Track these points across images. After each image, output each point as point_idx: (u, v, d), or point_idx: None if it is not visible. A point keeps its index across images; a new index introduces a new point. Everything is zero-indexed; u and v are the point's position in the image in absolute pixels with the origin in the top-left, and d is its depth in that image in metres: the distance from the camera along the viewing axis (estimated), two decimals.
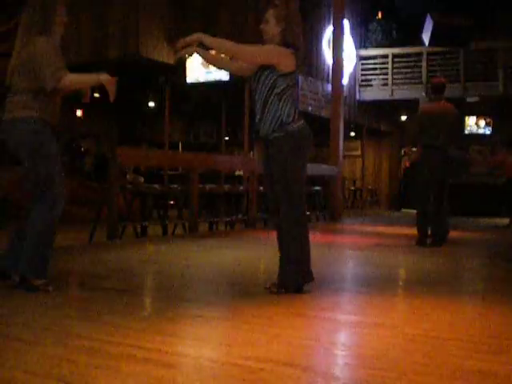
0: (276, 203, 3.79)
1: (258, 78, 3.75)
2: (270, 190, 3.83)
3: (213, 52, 3.96)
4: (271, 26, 3.74)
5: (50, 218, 3.62)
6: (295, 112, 3.75)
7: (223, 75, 11.55)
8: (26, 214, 3.73)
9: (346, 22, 13.42)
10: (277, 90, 3.68)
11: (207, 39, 3.66)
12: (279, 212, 3.76)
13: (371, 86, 16.90)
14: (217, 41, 3.74)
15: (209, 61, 4.06)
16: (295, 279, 3.73)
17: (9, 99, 3.68)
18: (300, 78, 13.21)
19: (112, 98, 3.71)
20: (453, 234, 7.63)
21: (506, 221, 11.03)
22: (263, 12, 3.79)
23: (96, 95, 10.60)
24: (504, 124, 15.98)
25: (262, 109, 3.72)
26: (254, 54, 3.73)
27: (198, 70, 11.80)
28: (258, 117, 3.77)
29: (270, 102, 3.69)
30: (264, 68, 3.72)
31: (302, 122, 3.77)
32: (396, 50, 16.54)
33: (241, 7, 12.10)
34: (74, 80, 3.64)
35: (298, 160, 3.72)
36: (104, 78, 3.68)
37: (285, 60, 3.68)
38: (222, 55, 3.97)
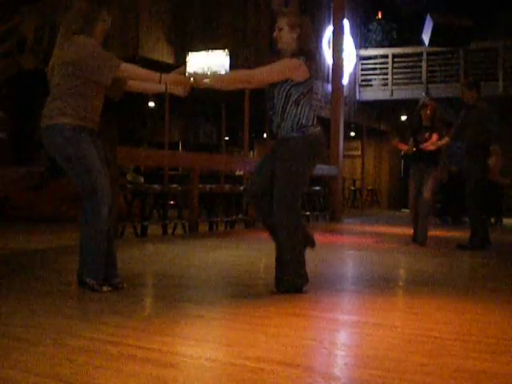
0: (265, 202, 3.79)
1: (273, 88, 3.78)
2: (259, 188, 3.81)
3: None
4: (285, 33, 3.75)
5: (96, 222, 3.63)
6: (314, 117, 3.79)
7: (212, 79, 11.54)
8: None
9: (346, 22, 13.42)
10: (293, 98, 3.72)
11: (217, 82, 3.69)
12: (269, 212, 3.76)
13: (371, 85, 16.90)
14: (226, 78, 3.73)
15: (222, 89, 3.99)
16: (294, 280, 3.73)
17: (46, 104, 3.69)
18: None
19: (183, 94, 3.81)
20: (453, 234, 7.63)
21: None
22: (275, 21, 3.82)
23: None
24: (504, 124, 15.97)
25: (281, 116, 3.77)
26: (266, 78, 3.74)
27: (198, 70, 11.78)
28: (275, 123, 3.81)
29: (288, 110, 3.74)
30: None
31: (320, 128, 3.80)
32: (396, 50, 16.54)
33: (241, 7, 12.10)
34: (129, 69, 3.64)
35: (307, 163, 3.75)
36: (167, 78, 3.69)
37: (296, 72, 3.70)
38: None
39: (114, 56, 3.65)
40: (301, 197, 3.81)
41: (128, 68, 3.66)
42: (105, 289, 3.64)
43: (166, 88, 3.79)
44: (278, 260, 3.78)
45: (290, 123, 3.74)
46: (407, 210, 17.21)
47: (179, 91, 3.87)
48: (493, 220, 11.22)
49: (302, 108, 3.73)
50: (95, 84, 3.65)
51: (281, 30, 3.76)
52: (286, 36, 3.75)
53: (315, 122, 3.79)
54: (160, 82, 3.70)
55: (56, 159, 3.71)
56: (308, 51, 3.77)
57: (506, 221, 12.16)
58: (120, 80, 3.77)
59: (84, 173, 3.62)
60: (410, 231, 7.76)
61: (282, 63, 3.73)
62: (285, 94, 3.73)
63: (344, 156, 12.81)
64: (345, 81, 13.93)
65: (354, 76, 16.57)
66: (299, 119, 3.73)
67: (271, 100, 3.82)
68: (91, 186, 3.62)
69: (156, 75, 3.69)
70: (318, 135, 3.78)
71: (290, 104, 3.73)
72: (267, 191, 3.77)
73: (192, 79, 3.70)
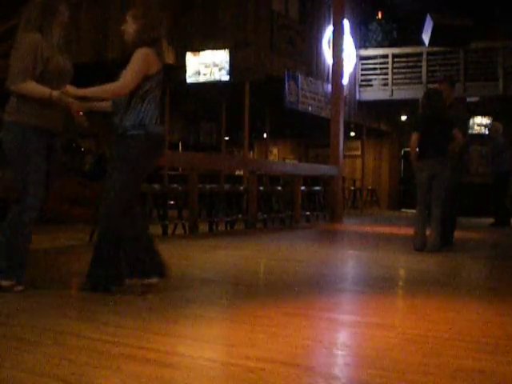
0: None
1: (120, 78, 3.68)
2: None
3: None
4: (129, 24, 3.72)
5: (18, 222, 3.61)
6: (157, 115, 3.71)
7: (223, 75, 11.56)
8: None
9: (346, 22, 13.42)
10: (140, 93, 3.62)
11: (88, 93, 3.66)
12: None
13: (371, 85, 16.89)
14: (96, 91, 3.68)
15: (103, 109, 3.92)
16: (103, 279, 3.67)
17: (10, 98, 3.67)
18: (300, 77, 13.21)
19: (74, 110, 3.70)
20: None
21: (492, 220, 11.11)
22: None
23: None
24: (504, 124, 15.96)
25: (124, 110, 3.64)
26: (134, 80, 3.59)
27: (198, 70, 11.80)
28: (118, 118, 3.67)
29: (132, 105, 3.62)
30: (123, 73, 3.65)
31: (162, 127, 3.75)
32: (396, 50, 16.53)
33: (241, 7, 12.09)
34: (27, 89, 3.56)
35: (142, 161, 3.64)
36: (56, 94, 3.59)
37: (151, 63, 3.63)
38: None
39: (27, 71, 3.55)
40: (128, 199, 3.67)
41: (24, 87, 3.55)
42: (18, 289, 3.57)
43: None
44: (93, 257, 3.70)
45: (133, 119, 3.61)
46: (407, 210, 17.21)
47: (73, 108, 3.73)
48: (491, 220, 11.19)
49: (147, 105, 3.63)
50: (58, 81, 3.62)
51: (126, 21, 3.74)
52: (128, 27, 3.71)
53: (158, 122, 3.70)
54: (51, 99, 3.60)
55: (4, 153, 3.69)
56: (148, 43, 3.65)
57: None
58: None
59: (20, 174, 3.61)
60: (409, 231, 7.74)
61: (138, 59, 3.60)
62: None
63: (344, 156, 12.80)
64: (345, 81, 13.92)
65: (354, 76, 16.56)
66: (142, 117, 3.61)
67: None
68: (25, 188, 3.61)
69: (47, 94, 3.59)
70: (158, 135, 3.68)
71: (135, 99, 3.62)
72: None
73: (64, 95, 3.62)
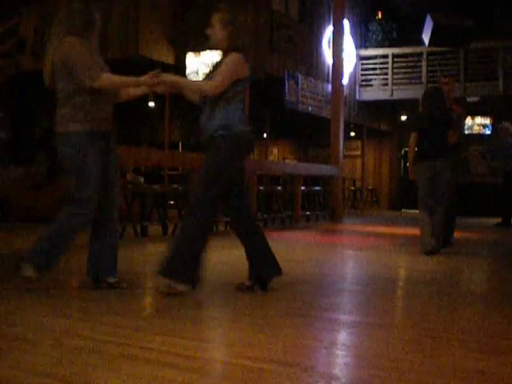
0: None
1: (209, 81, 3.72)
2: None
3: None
4: (217, 30, 3.72)
5: (69, 225, 3.66)
6: (244, 117, 3.73)
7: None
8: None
9: (346, 22, 13.42)
10: (227, 95, 3.64)
11: (182, 83, 3.76)
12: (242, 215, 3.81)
13: (371, 85, 16.89)
14: (189, 84, 3.86)
15: (186, 93, 3.95)
16: (171, 271, 3.69)
17: (57, 110, 3.68)
18: (300, 77, 13.20)
19: (164, 91, 3.83)
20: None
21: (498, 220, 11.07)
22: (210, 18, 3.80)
23: None
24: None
25: (210, 112, 3.68)
26: (226, 83, 3.62)
27: (198, 70, 11.80)
28: (204, 119, 3.72)
29: (218, 106, 3.65)
30: (215, 73, 3.69)
31: (249, 128, 3.75)
32: (396, 50, 16.53)
33: (240, 7, 12.09)
34: (110, 81, 3.62)
35: (230, 162, 3.68)
36: (143, 80, 3.66)
37: (243, 68, 3.67)
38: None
39: (97, 66, 3.60)
40: (216, 198, 3.71)
41: (107, 80, 3.60)
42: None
43: (149, 88, 3.78)
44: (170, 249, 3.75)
45: (218, 120, 3.64)
46: (407, 211, 17.21)
47: (160, 89, 3.83)
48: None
49: (233, 107, 3.66)
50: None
51: (213, 26, 3.74)
52: (217, 33, 3.72)
53: (245, 123, 3.72)
54: (139, 86, 3.70)
55: (64, 164, 3.72)
56: (240, 48, 3.71)
57: None
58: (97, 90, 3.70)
59: (81, 183, 3.63)
60: (409, 231, 7.76)
61: (232, 62, 3.65)
62: None
63: (344, 156, 12.80)
64: (345, 81, 13.92)
65: (354, 76, 16.56)
66: (228, 118, 3.64)
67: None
68: (80, 197, 3.63)
69: (134, 80, 3.69)
70: (245, 136, 3.71)
71: (221, 101, 3.64)
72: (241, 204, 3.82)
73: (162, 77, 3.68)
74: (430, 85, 15.49)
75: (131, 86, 3.79)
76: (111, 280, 3.76)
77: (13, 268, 3.70)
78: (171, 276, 3.62)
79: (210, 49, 3.89)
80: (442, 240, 6.39)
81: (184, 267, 3.63)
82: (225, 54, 3.73)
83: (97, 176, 3.67)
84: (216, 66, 3.75)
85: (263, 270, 3.83)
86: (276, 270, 3.84)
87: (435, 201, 6.32)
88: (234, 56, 3.65)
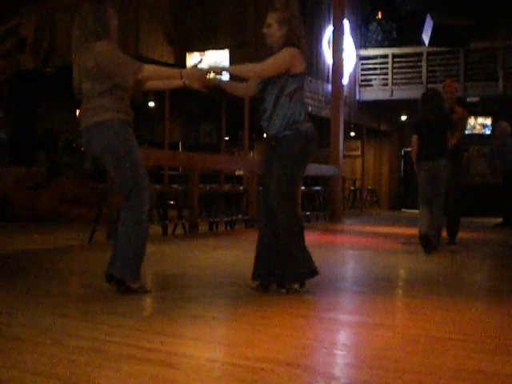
0: (270, 204, 3.77)
1: (267, 79, 3.76)
2: (265, 192, 3.80)
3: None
4: (274, 29, 3.74)
5: (138, 221, 3.59)
6: (305, 112, 3.78)
7: (223, 75, 11.55)
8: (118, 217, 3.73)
9: (346, 22, 13.41)
10: (287, 91, 3.69)
11: (230, 68, 3.75)
12: (270, 215, 3.75)
13: (371, 85, 16.89)
14: (237, 68, 3.90)
15: (229, 90, 4.07)
16: (301, 274, 3.73)
17: (84, 106, 3.65)
18: None
19: (201, 88, 3.83)
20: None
21: (498, 220, 11.05)
22: (264, 16, 3.81)
23: None
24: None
25: (271, 108, 3.72)
26: (275, 67, 3.70)
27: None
28: (265, 116, 3.76)
29: (280, 102, 3.69)
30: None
31: (311, 123, 3.79)
32: (396, 50, 16.53)
33: (241, 7, 12.10)
34: (152, 70, 3.65)
35: (302, 160, 3.75)
36: (186, 72, 3.70)
37: (297, 61, 3.70)
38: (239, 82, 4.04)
39: (134, 60, 3.63)
40: (295, 195, 3.80)
41: (150, 69, 3.65)
42: (147, 289, 3.65)
43: (185, 83, 3.80)
44: (278, 258, 3.75)
45: (281, 118, 3.68)
46: (407, 210, 17.21)
47: (197, 85, 3.86)
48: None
49: (295, 103, 3.70)
50: (120, 87, 3.65)
51: (269, 26, 3.75)
52: (274, 32, 3.74)
53: (306, 118, 3.76)
54: (181, 78, 3.72)
55: (101, 157, 3.65)
56: (297, 46, 3.74)
57: None
58: (139, 82, 3.75)
59: (131, 171, 3.59)
60: (409, 231, 7.75)
61: (285, 52, 3.70)
62: (280, 86, 3.69)
63: (344, 156, 12.80)
64: (345, 81, 13.92)
65: (354, 76, 16.56)
66: (291, 114, 3.68)
67: (263, 91, 3.78)
68: (136, 184, 3.59)
69: (176, 72, 3.74)
70: (311, 132, 3.75)
71: (283, 97, 3.68)
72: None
73: (211, 75, 3.75)
74: (429, 85, 15.51)
75: (173, 78, 3.79)
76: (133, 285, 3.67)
77: (120, 290, 3.61)
78: (306, 276, 3.75)
79: (269, 51, 3.90)
80: (439, 240, 6.42)
81: (303, 261, 3.71)
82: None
83: (141, 160, 3.66)
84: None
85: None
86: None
87: (433, 201, 6.36)
88: (286, 49, 3.70)
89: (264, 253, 3.76)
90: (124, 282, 3.57)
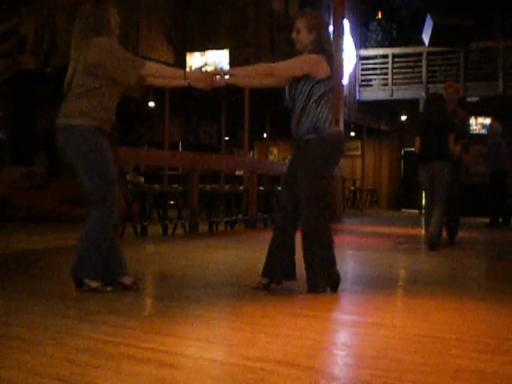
0: (290, 204, 3.82)
1: (295, 86, 3.79)
2: (287, 190, 3.86)
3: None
4: (303, 35, 3.76)
5: (100, 228, 3.62)
6: (332, 117, 3.81)
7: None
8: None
9: (346, 22, 13.42)
10: (314, 98, 3.72)
11: (238, 72, 3.84)
12: (291, 213, 3.83)
13: (371, 85, 16.90)
14: (248, 70, 3.88)
15: (242, 85, 4.10)
16: (325, 278, 3.76)
17: (65, 102, 3.66)
18: None
19: (207, 88, 3.81)
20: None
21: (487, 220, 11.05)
22: (293, 22, 3.84)
23: None
24: (504, 124, 15.96)
25: (299, 114, 3.76)
26: (287, 71, 3.77)
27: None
28: (294, 121, 3.80)
29: (308, 109, 3.73)
30: (299, 77, 3.75)
31: (339, 127, 3.81)
32: (396, 50, 16.54)
33: (241, 7, 12.10)
34: (155, 68, 3.65)
35: (326, 164, 3.78)
36: (191, 75, 3.71)
37: (317, 67, 3.71)
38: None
39: (137, 56, 3.63)
40: (324, 198, 3.82)
41: (153, 67, 3.65)
42: (108, 289, 3.64)
43: (189, 84, 3.80)
44: (306, 261, 3.81)
45: (308, 124, 3.73)
46: (407, 210, 17.21)
47: (203, 86, 3.86)
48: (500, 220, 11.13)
49: (321, 108, 3.73)
50: (118, 85, 3.64)
51: (298, 31, 3.77)
52: (303, 38, 3.77)
53: (333, 123, 3.80)
54: (185, 79, 3.72)
55: (68, 160, 3.66)
56: (326, 52, 3.76)
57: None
58: (140, 78, 3.74)
59: (97, 177, 3.59)
60: (409, 231, 7.76)
61: (302, 57, 3.74)
62: (307, 92, 3.72)
63: (344, 156, 12.80)
64: (345, 81, 13.92)
65: (354, 76, 16.57)
66: (317, 120, 3.72)
67: (293, 98, 3.81)
68: (102, 193, 3.59)
69: (180, 72, 3.74)
70: (336, 135, 3.80)
71: (310, 103, 3.72)
72: (297, 202, 3.81)
73: (217, 77, 3.76)
74: (429, 85, 15.52)
75: (176, 78, 3.77)
76: (126, 281, 3.73)
77: (76, 286, 3.66)
78: (322, 281, 3.76)
79: (297, 52, 3.92)
80: (439, 240, 6.48)
81: (325, 268, 3.76)
82: None
83: (111, 168, 3.66)
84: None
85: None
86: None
87: (434, 202, 6.48)
88: (306, 55, 3.73)
89: (281, 251, 3.85)
90: (81, 280, 3.63)
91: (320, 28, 3.77)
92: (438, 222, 6.45)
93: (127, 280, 3.74)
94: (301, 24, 3.76)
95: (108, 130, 3.74)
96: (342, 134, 3.88)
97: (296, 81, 3.77)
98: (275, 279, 3.88)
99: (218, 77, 3.81)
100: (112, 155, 3.72)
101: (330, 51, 3.80)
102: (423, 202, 6.77)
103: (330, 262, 3.79)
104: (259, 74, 3.89)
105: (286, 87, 3.86)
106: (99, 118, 3.62)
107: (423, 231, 6.66)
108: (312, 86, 3.71)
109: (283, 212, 3.90)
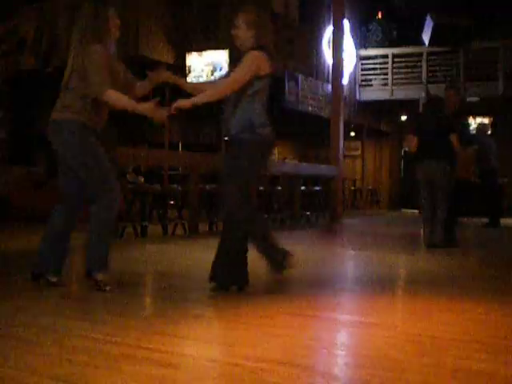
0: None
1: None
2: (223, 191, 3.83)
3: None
4: (242, 31, 3.73)
5: (108, 218, 3.70)
6: (265, 116, 3.76)
7: (223, 75, 11.55)
8: (51, 217, 3.89)
9: (345, 22, 13.42)
10: (249, 92, 3.67)
11: (199, 99, 3.74)
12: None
13: (371, 85, 16.89)
14: (206, 95, 3.78)
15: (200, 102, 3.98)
16: (224, 277, 3.73)
17: (60, 98, 3.72)
18: (300, 77, 13.21)
19: (159, 120, 3.83)
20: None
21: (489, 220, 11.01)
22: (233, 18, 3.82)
23: None
24: (504, 124, 15.96)
25: (232, 108, 3.70)
26: (246, 76, 3.66)
27: (198, 70, 11.81)
28: (225, 115, 3.75)
29: (241, 103, 3.67)
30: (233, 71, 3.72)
31: (270, 128, 3.77)
32: (396, 50, 16.53)
33: (240, 7, 12.10)
34: (113, 98, 3.64)
35: (257, 164, 3.74)
36: (143, 108, 3.69)
37: (262, 64, 3.68)
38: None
39: (108, 82, 3.62)
40: (250, 197, 3.78)
41: (111, 97, 3.63)
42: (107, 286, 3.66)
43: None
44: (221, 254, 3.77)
45: (241, 119, 3.67)
46: (407, 210, 17.20)
47: (155, 119, 3.86)
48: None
49: (255, 105, 3.69)
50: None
51: (238, 27, 3.75)
52: (242, 34, 3.73)
53: (266, 122, 3.75)
54: (139, 111, 3.70)
55: (60, 155, 3.72)
56: (266, 48, 3.73)
57: (506, 221, 12.12)
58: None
59: (96, 168, 3.66)
60: (409, 231, 7.76)
61: (249, 57, 3.67)
62: (244, 87, 3.67)
63: (344, 156, 12.80)
64: (345, 81, 13.92)
65: (354, 76, 16.56)
66: (251, 117, 3.67)
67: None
68: (103, 181, 3.66)
69: (136, 106, 3.70)
70: (268, 135, 3.74)
71: (244, 97, 3.67)
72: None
73: (173, 107, 3.72)
74: (429, 85, 15.52)
75: (130, 110, 3.74)
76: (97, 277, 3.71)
77: (86, 278, 3.71)
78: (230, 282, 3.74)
79: (237, 54, 3.88)
80: (443, 239, 6.49)
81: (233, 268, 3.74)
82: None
83: (105, 158, 3.70)
84: (235, 65, 3.77)
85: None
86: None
87: (437, 204, 6.53)
88: (252, 53, 3.68)
89: (224, 254, 3.77)
90: (90, 273, 3.67)
91: (259, 25, 3.73)
92: (442, 224, 6.49)
93: (99, 276, 3.71)
94: (240, 20, 3.74)
95: (98, 129, 3.77)
96: (273, 134, 3.79)
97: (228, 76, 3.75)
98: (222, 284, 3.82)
99: (173, 108, 3.75)
100: (103, 151, 3.75)
101: (269, 49, 3.75)
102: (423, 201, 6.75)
103: (240, 264, 3.74)
104: (224, 93, 3.75)
105: (218, 80, 3.84)
106: (89, 116, 3.67)
107: (422, 231, 6.66)
108: (251, 82, 3.66)
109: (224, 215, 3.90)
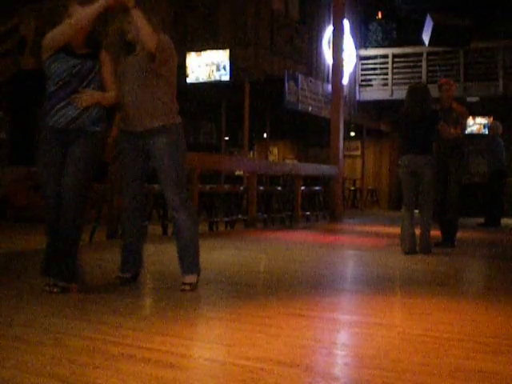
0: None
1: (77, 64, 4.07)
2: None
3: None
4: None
5: (194, 224, 3.94)
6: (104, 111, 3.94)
7: (223, 75, 11.55)
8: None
9: (346, 22, 13.42)
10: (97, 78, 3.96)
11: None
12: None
13: (371, 85, 16.89)
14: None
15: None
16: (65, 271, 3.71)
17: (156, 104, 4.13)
18: (300, 77, 13.21)
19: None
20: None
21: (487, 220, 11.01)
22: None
23: None
24: (504, 124, 15.97)
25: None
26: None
27: (198, 70, 11.80)
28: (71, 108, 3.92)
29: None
30: None
31: (106, 124, 3.90)
32: (396, 50, 16.53)
33: (241, 7, 12.09)
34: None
35: (95, 159, 3.91)
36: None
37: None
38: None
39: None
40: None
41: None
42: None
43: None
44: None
45: (93, 113, 3.76)
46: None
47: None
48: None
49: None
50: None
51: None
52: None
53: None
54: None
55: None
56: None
57: (506, 221, 12.14)
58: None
59: (182, 174, 4.09)
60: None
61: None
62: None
63: (344, 156, 12.80)
64: (345, 81, 13.92)
65: (354, 76, 16.56)
66: (102, 112, 3.81)
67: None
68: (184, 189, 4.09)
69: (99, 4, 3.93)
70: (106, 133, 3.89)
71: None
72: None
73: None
74: (429, 85, 15.50)
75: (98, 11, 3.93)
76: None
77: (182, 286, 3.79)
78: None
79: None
80: (429, 243, 6.23)
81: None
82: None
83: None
84: None
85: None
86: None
87: (423, 201, 6.21)
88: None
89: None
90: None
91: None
92: (430, 223, 6.20)
93: (191, 279, 3.86)
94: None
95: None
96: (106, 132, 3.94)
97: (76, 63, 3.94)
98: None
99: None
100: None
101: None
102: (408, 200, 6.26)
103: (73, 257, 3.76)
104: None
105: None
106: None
107: (400, 233, 6.21)
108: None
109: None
